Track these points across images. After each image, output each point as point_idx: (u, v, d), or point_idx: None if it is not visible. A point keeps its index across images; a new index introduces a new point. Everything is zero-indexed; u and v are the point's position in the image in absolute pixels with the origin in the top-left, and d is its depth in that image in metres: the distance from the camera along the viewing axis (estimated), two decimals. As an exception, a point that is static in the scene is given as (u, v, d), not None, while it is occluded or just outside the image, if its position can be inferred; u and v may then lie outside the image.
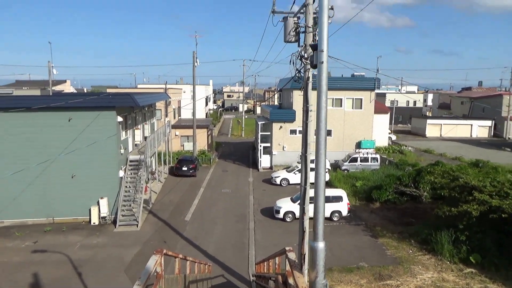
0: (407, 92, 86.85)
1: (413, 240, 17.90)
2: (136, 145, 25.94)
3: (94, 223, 20.78)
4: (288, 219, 21.14)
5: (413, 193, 22.85)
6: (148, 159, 23.69)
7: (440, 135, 58.29)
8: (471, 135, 58.52)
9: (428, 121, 60.37)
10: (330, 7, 5.63)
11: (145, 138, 27.05)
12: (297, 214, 20.54)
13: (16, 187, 20.30)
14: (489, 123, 58.93)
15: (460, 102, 73.58)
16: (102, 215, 20.86)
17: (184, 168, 31.19)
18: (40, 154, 20.05)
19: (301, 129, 33.37)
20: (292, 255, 4.98)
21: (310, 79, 10.98)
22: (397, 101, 75.39)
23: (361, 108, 34.57)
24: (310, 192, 12.80)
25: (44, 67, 37.45)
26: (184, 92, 52.76)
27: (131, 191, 21.89)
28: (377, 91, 37.83)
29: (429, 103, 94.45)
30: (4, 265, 16.01)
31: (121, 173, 21.53)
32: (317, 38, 10.86)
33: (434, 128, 58.81)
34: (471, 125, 59.15)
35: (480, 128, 59.01)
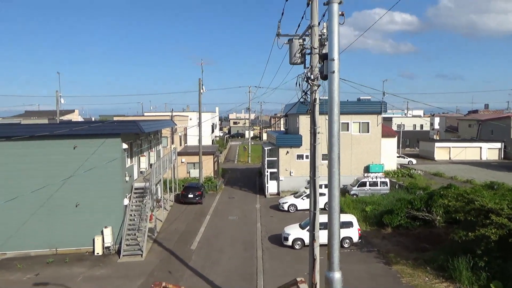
0: (413, 116, 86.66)
1: (429, 267, 17.11)
2: (141, 172, 25.65)
3: (97, 253, 20.22)
4: (297, 247, 20.44)
5: (425, 217, 22.06)
6: (153, 186, 23.33)
7: (449, 158, 57.47)
8: (480, 158, 57.63)
9: (437, 144, 59.69)
10: (340, 13, 5.32)
11: (150, 165, 26.76)
12: (307, 241, 19.87)
13: (19, 217, 19.96)
14: (498, 145, 58.07)
15: (468, 125, 72.95)
16: (106, 245, 20.33)
17: (190, 195, 30.72)
18: (45, 183, 19.77)
19: (308, 154, 33.10)
20: (305, 287, 4.50)
21: (317, 101, 10.73)
22: (403, 125, 75.06)
23: (368, 132, 34.23)
24: (320, 218, 12.33)
25: (53, 97, 37.84)
26: (190, 119, 52.93)
27: (136, 219, 21.41)
28: (383, 115, 37.49)
29: (436, 126, 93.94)
30: (4, 299, 15.46)
31: (126, 201, 21.15)
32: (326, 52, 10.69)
33: (442, 151, 58.07)
34: (480, 147, 58.35)
35: (490, 151, 58.12)
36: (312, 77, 10.53)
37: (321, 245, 12.62)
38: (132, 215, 21.52)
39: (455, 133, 77.32)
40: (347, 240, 20.39)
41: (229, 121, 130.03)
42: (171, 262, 19.20)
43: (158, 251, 20.69)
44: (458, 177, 39.57)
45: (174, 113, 44.75)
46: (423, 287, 15.44)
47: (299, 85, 10.80)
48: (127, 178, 21.61)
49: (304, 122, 32.86)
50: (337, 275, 3.91)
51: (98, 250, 20.28)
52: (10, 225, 19.97)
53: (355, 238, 20.57)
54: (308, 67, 10.72)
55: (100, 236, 20.32)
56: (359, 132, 34.13)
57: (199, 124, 36.60)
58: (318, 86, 10.56)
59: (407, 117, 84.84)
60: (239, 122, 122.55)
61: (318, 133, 10.86)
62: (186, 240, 22.42)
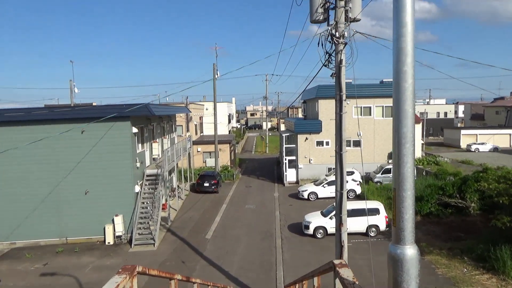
0: (437, 104, 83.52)
1: (466, 257, 15.47)
2: (154, 159, 24.60)
3: (109, 242, 19.29)
4: (319, 235, 19.03)
5: (458, 204, 20.33)
6: (166, 173, 22.25)
7: (476, 145, 54.74)
8: (510, 145, 54.74)
9: (462, 131, 57.03)
10: None
11: (163, 152, 25.72)
12: (329, 230, 18.50)
13: (27, 206, 19.20)
14: (529, 131, 55.06)
15: (495, 112, 69.60)
16: (117, 234, 19.38)
17: (206, 184, 29.61)
18: (52, 170, 18.93)
19: (328, 140, 31.55)
20: (348, 273, 3.15)
21: (344, 62, 9.24)
22: (427, 112, 72.27)
23: (391, 116, 32.27)
24: (347, 205, 10.89)
25: (69, 89, 37.08)
26: (206, 109, 51.76)
27: (148, 207, 20.37)
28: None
29: (460, 114, 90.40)
30: (9, 290, 14.63)
31: (137, 188, 20.12)
32: (349, 15, 9.20)
33: (469, 139, 55.34)
34: (510, 134, 55.44)
35: (520, 138, 55.15)
36: (337, 35, 9.06)
37: (348, 234, 11.26)
38: (144, 203, 20.49)
39: (480, 121, 74.02)
40: (374, 229, 18.88)
41: (246, 113, 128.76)
42: (184, 251, 18.10)
43: (172, 240, 19.63)
44: (488, 164, 37.14)
45: (189, 102, 43.65)
46: (462, 278, 13.86)
47: (322, 45, 9.32)
48: (138, 164, 20.56)
49: (323, 106, 31.23)
50: (410, 251, 2.50)
51: (109, 239, 19.35)
52: (19, 214, 19.22)
53: (382, 226, 19.02)
54: (332, 24, 9.24)
55: (111, 225, 19.37)
56: (382, 116, 32.24)
57: (214, 110, 35.39)
58: (345, 44, 9.09)
59: (429, 104, 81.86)
60: (256, 114, 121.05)
61: (345, 100, 9.40)
62: (201, 229, 21.30)
